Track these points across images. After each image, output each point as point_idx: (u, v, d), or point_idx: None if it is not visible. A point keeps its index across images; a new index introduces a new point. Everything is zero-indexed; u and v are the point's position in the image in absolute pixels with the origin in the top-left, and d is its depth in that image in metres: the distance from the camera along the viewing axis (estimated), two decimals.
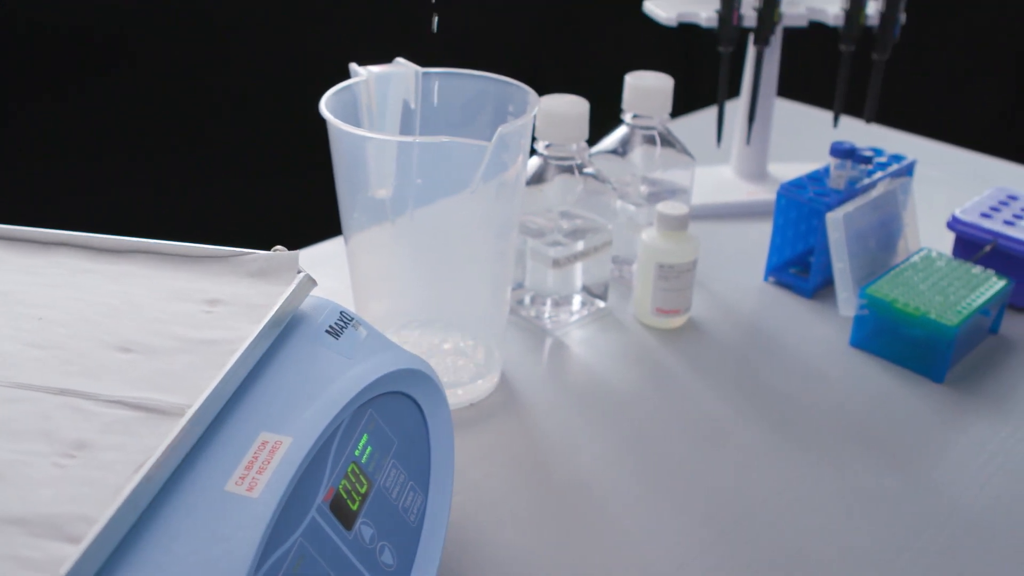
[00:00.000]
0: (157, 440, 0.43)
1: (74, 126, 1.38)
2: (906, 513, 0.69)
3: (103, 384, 0.47)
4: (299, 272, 0.55)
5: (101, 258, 0.58)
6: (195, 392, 0.45)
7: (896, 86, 0.94)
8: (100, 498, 0.40)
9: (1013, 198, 1.00)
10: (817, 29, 1.07)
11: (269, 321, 0.50)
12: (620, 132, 0.93)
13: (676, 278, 0.85)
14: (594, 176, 0.85)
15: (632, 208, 0.93)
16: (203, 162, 1.54)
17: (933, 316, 0.81)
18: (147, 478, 0.41)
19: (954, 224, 0.96)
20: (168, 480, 0.43)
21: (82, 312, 0.53)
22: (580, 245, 0.85)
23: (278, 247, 0.58)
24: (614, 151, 0.93)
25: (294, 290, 0.53)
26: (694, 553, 0.65)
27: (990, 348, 0.88)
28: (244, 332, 0.50)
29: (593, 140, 0.92)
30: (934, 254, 0.92)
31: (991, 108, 1.96)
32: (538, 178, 0.84)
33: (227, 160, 1.56)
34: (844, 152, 0.94)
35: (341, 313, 0.56)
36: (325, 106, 0.69)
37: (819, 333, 0.89)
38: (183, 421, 0.43)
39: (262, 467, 0.45)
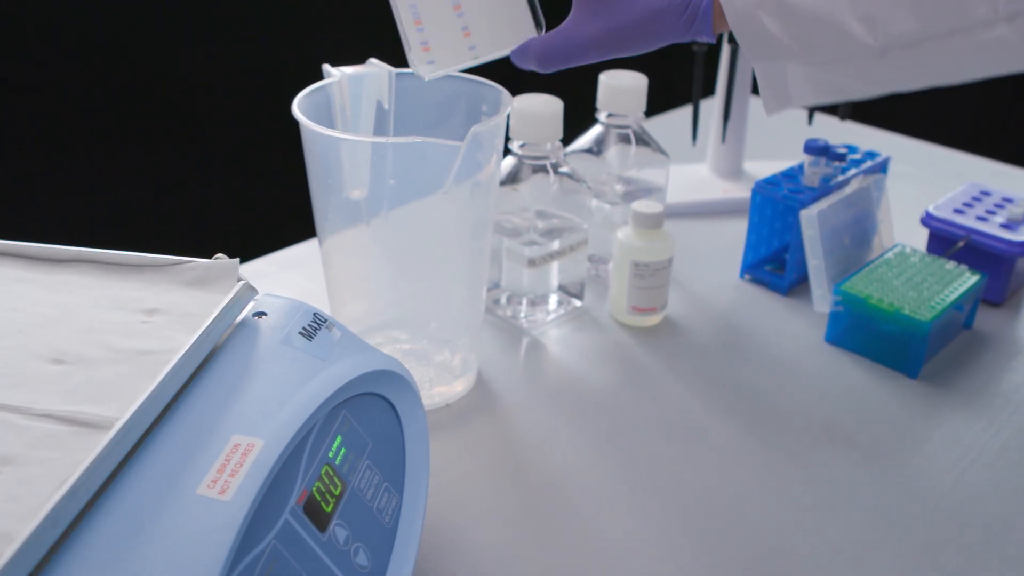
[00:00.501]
0: (84, 454, 0.42)
1: (33, 126, 1.37)
2: (881, 508, 0.69)
3: (33, 397, 0.46)
4: (239, 280, 0.55)
5: (38, 267, 0.58)
6: (125, 405, 0.45)
7: None
8: (21, 514, 0.39)
9: (986, 194, 1.01)
10: None
11: (204, 331, 0.50)
12: (595, 131, 0.94)
13: (652, 276, 0.86)
14: (569, 175, 0.85)
15: (607, 207, 0.93)
16: (175, 165, 1.53)
17: (907, 312, 0.82)
18: (71, 493, 0.40)
19: (928, 220, 0.96)
20: (140, 483, 0.43)
21: (15, 322, 0.52)
22: (556, 244, 0.85)
23: (219, 255, 0.57)
24: (589, 150, 0.93)
25: (232, 299, 0.53)
26: (671, 551, 0.65)
27: (964, 343, 0.89)
28: (179, 342, 0.50)
29: (570, 139, 0.92)
30: (908, 250, 0.92)
31: (965, 105, 1.97)
32: (513, 178, 0.84)
33: (201, 162, 1.56)
34: (818, 149, 0.94)
35: (314, 315, 0.56)
36: (298, 107, 0.69)
37: (794, 330, 0.90)
38: (109, 435, 0.42)
39: (234, 470, 0.45)
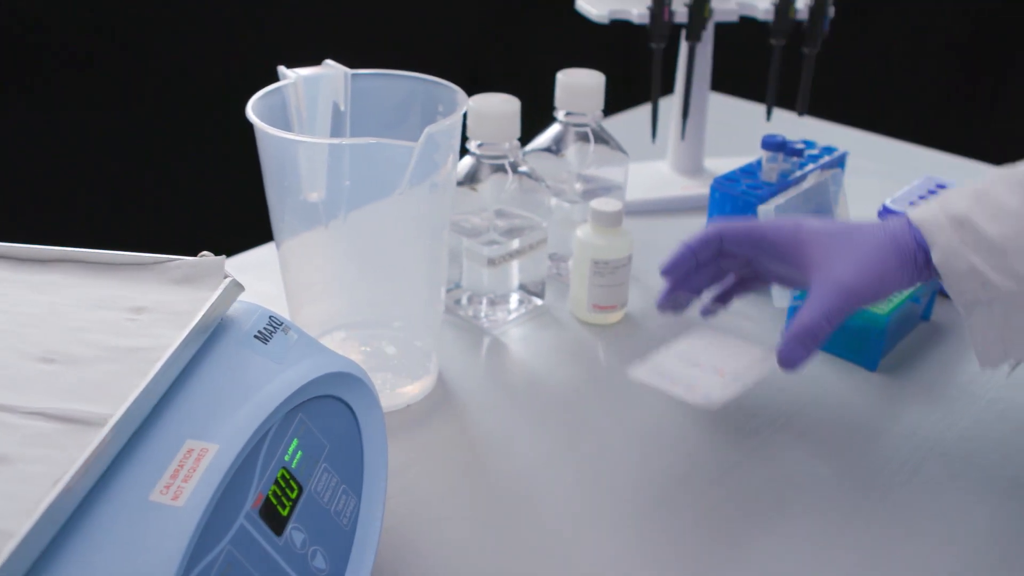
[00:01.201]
0: (79, 451, 0.42)
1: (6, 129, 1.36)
2: (840, 500, 0.69)
3: (24, 396, 0.47)
4: (225, 277, 0.55)
5: (23, 268, 0.58)
6: (118, 401, 0.45)
7: (828, 79, 0.95)
8: (19, 512, 0.40)
9: (942, 186, 1.02)
10: (748, 24, 1.08)
11: (194, 328, 0.50)
12: (553, 130, 0.94)
13: (611, 274, 0.86)
14: (528, 174, 0.85)
15: (567, 205, 0.93)
16: (139, 167, 1.52)
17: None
18: (67, 490, 0.40)
19: (884, 214, 0.97)
20: (92, 491, 0.43)
21: (2, 322, 0.52)
22: (515, 243, 0.85)
23: (204, 252, 0.57)
24: (548, 149, 0.93)
25: (219, 296, 0.53)
26: (631, 549, 0.65)
27: (922, 335, 0.90)
28: (168, 339, 0.50)
29: (528, 138, 0.92)
30: None
31: (921, 99, 1.99)
32: (471, 177, 0.84)
33: (161, 165, 1.55)
34: (775, 145, 0.95)
35: (270, 318, 0.56)
36: (252, 110, 0.68)
37: (755, 326, 0.90)
38: (104, 431, 0.43)
39: (188, 475, 0.44)
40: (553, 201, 0.92)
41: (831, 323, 0.67)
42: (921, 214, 0.69)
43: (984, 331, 0.67)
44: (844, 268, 0.68)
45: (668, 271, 0.75)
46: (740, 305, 0.93)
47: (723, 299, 0.80)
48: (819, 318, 0.67)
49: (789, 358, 0.68)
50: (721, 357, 0.71)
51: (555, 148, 0.93)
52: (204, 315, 0.51)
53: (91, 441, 0.42)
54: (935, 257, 0.67)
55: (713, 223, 0.75)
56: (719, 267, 0.77)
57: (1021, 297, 0.64)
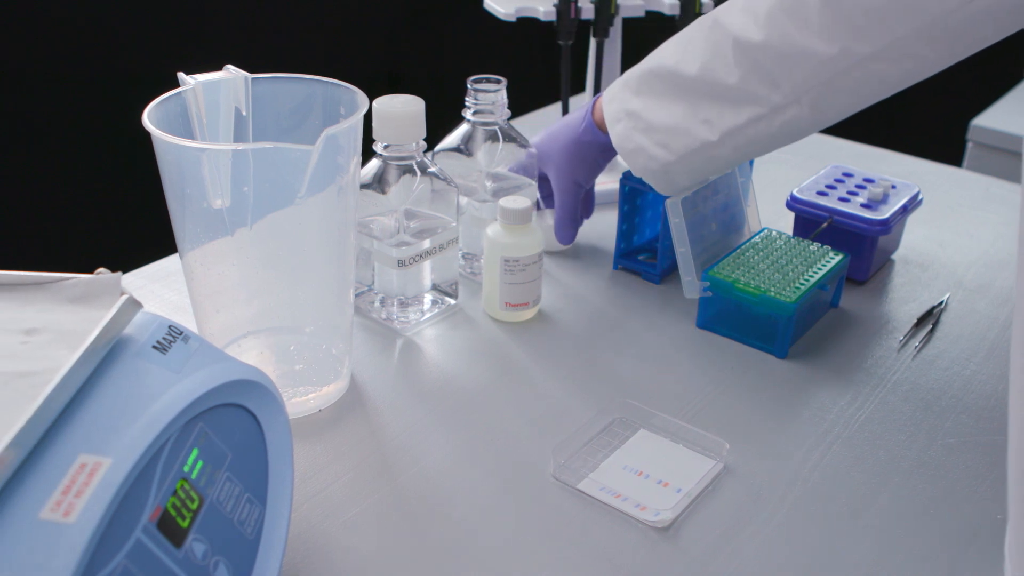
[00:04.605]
0: None
1: None
2: (751, 485, 0.70)
3: None
4: (122, 294, 0.54)
5: None
6: (5, 429, 0.44)
7: None
8: None
9: (848, 175, 1.04)
10: (655, 18, 1.09)
11: (87, 349, 0.49)
12: (462, 129, 0.94)
13: (522, 271, 0.86)
14: (437, 174, 0.85)
15: (478, 204, 0.94)
16: (40, 178, 1.50)
17: (772, 294, 0.84)
18: None
19: (792, 203, 0.99)
20: None
21: None
22: (426, 244, 0.85)
23: (101, 269, 0.56)
24: (457, 148, 0.93)
25: (115, 314, 0.52)
26: (544, 550, 0.65)
27: (831, 321, 0.91)
28: (61, 362, 0.49)
29: (436, 138, 0.92)
30: (774, 233, 0.94)
31: None
32: (379, 179, 0.83)
33: (64, 177, 1.52)
34: None
35: (170, 327, 0.55)
36: (148, 118, 0.67)
37: (667, 318, 0.91)
38: None
39: (79, 491, 0.44)
40: (464, 200, 0.92)
41: (570, 212, 0.97)
42: (605, 110, 0.89)
43: (654, 182, 0.89)
44: (557, 173, 0.95)
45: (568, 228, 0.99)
46: (654, 297, 0.94)
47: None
48: (562, 214, 0.97)
49: (564, 238, 0.98)
50: (665, 467, 0.72)
51: (464, 147, 0.93)
52: (98, 336, 0.50)
53: None
54: (614, 141, 0.88)
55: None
56: None
57: (673, 164, 0.85)
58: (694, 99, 0.83)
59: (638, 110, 0.86)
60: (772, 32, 0.77)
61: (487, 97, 0.91)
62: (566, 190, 0.95)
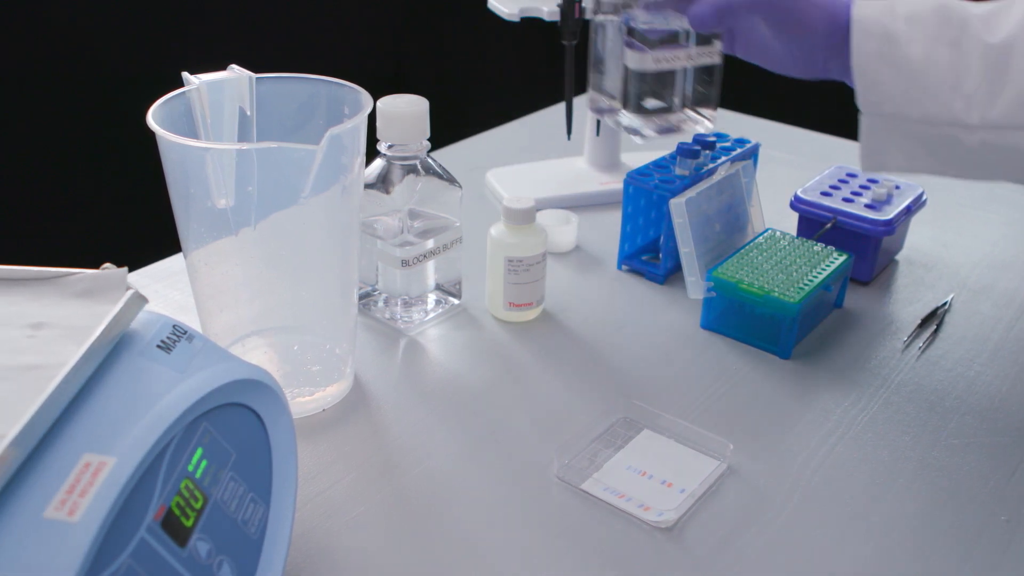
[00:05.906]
0: None
1: None
2: (755, 486, 0.70)
3: None
4: (128, 290, 0.54)
5: None
6: (12, 422, 0.44)
7: (742, 73, 0.96)
8: None
9: (852, 175, 1.03)
10: None
11: (93, 343, 0.49)
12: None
13: (526, 271, 0.86)
14: (440, 174, 0.85)
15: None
16: (49, 178, 1.50)
17: (776, 294, 0.84)
18: None
19: (796, 203, 0.99)
20: None
21: None
22: (430, 244, 0.85)
23: (107, 264, 0.56)
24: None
25: (121, 309, 0.52)
26: (547, 550, 0.65)
27: (835, 322, 0.91)
28: (67, 356, 0.49)
29: (439, 139, 0.92)
30: (778, 234, 0.94)
31: (830, 90, 2.01)
32: (383, 179, 0.83)
33: (72, 176, 1.52)
34: (690, 152, 0.95)
35: (174, 327, 0.55)
36: (153, 118, 0.67)
37: (671, 318, 0.91)
38: None
39: (84, 490, 0.44)
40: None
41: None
42: (864, 11, 0.72)
43: (873, 137, 0.74)
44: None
45: None
46: (657, 297, 0.94)
47: None
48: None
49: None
50: (669, 467, 0.72)
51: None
52: (104, 330, 0.50)
53: None
54: (853, 60, 0.71)
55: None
56: None
57: (917, 125, 0.69)
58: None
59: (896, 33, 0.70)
60: None
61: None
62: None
